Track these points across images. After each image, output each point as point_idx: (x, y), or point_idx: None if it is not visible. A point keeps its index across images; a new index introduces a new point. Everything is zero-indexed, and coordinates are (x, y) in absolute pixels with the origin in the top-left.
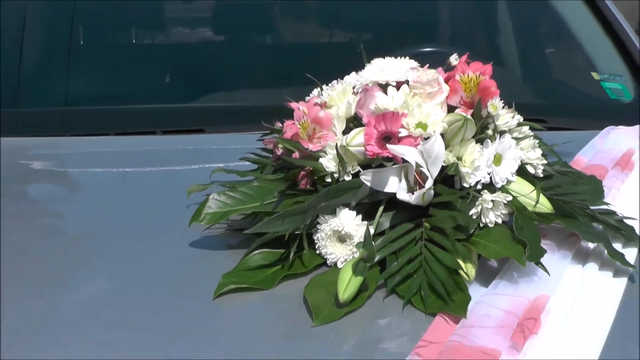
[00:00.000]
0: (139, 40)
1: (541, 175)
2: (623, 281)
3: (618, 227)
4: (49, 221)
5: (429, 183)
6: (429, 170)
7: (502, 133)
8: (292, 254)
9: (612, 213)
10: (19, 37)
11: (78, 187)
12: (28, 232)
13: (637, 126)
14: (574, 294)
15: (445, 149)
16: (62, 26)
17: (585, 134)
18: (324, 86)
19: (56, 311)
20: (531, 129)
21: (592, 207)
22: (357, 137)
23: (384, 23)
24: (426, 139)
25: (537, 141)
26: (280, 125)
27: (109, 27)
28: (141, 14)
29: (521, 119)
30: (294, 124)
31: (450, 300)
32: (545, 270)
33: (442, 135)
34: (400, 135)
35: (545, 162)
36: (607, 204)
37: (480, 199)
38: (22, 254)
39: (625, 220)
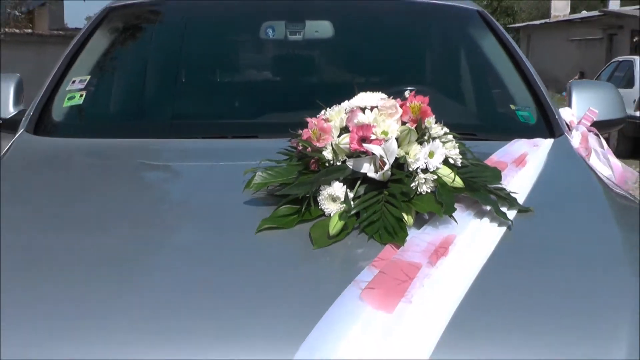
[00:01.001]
0: (221, 79)
1: (459, 164)
2: (503, 229)
3: (505, 198)
4: (167, 186)
5: (387, 167)
6: (387, 159)
7: (434, 138)
8: (304, 208)
9: (502, 189)
10: (143, 74)
11: (182, 170)
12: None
13: (535, 139)
14: (472, 235)
15: (398, 147)
16: (171, 68)
17: (502, 143)
18: (328, 109)
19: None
20: (462, 138)
21: (490, 185)
22: (345, 139)
23: (373, 71)
24: (387, 141)
25: (458, 144)
26: (300, 132)
27: (202, 70)
28: (222, 61)
29: (447, 130)
30: (308, 130)
31: (396, 235)
32: (454, 219)
33: (397, 139)
34: (371, 138)
35: (460, 157)
36: (500, 183)
37: (417, 177)
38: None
39: (511, 194)
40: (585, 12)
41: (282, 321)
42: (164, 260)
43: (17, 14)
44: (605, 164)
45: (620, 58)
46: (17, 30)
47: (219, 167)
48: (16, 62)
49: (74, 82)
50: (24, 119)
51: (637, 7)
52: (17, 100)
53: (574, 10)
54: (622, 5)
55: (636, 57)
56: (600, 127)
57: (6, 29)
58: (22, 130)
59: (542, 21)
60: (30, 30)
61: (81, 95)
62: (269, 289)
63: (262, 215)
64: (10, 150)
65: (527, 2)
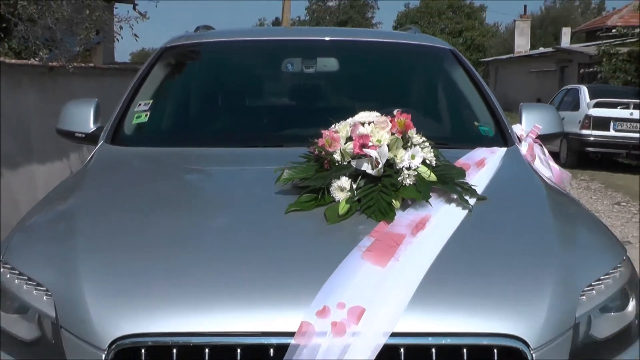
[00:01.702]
0: (250, 102)
1: (434, 164)
2: (465, 212)
3: (467, 189)
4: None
5: (381, 166)
6: (381, 160)
7: (415, 145)
8: (319, 196)
9: (466, 183)
10: (190, 98)
11: (224, 170)
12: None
13: (492, 148)
14: (442, 215)
15: (388, 151)
16: (212, 94)
17: (467, 150)
18: (336, 124)
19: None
20: (437, 146)
21: (457, 180)
22: (350, 145)
23: (369, 96)
24: (380, 147)
25: (433, 149)
26: (317, 141)
27: (236, 95)
28: (252, 88)
29: (425, 139)
30: (323, 140)
31: (387, 214)
32: (430, 204)
33: (387, 145)
34: (369, 145)
35: (434, 159)
36: (464, 179)
37: (403, 173)
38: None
39: (472, 187)
40: (542, 48)
41: (305, 273)
42: (216, 235)
43: (81, 50)
44: (546, 167)
45: (569, 86)
46: (83, 65)
47: (253, 168)
48: (82, 90)
49: (139, 105)
50: (102, 133)
51: (584, 44)
52: (95, 120)
53: (533, 47)
54: (571, 43)
55: (581, 86)
56: (543, 139)
57: (74, 64)
58: (102, 141)
59: (507, 56)
60: (92, 64)
61: (146, 115)
62: (296, 251)
63: (289, 201)
64: (95, 156)
65: (495, 40)
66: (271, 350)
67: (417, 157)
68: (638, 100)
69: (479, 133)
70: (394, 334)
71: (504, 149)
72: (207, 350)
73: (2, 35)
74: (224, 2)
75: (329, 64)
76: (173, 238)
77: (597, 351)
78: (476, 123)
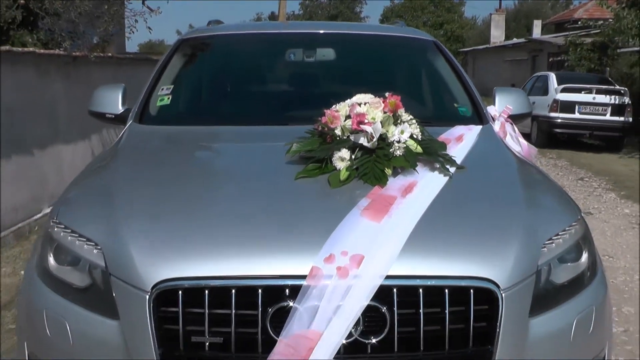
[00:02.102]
0: (258, 87)
1: (420, 139)
2: (446, 178)
3: (448, 160)
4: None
5: (375, 139)
6: (375, 135)
7: (404, 122)
8: (323, 165)
9: (446, 154)
10: (205, 83)
11: (239, 144)
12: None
13: (469, 126)
14: (427, 181)
15: (381, 127)
16: (225, 79)
17: (448, 127)
18: (337, 104)
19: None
20: (423, 124)
21: (439, 152)
22: (348, 122)
23: (363, 81)
24: (374, 123)
25: (419, 126)
26: (320, 119)
27: (246, 81)
28: (259, 75)
29: (412, 117)
30: (325, 117)
31: (380, 180)
32: (417, 171)
33: (380, 122)
34: (365, 121)
35: (420, 134)
36: (445, 150)
37: (394, 146)
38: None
39: (452, 158)
40: (516, 39)
41: (314, 227)
42: (238, 196)
43: (100, 41)
44: (516, 143)
45: (539, 73)
46: (102, 54)
47: (264, 144)
48: (101, 77)
49: (162, 89)
50: (131, 114)
51: (553, 35)
52: (123, 102)
53: (507, 38)
54: (542, 34)
55: (550, 73)
56: (514, 118)
57: (95, 54)
58: (131, 121)
59: (484, 46)
60: (110, 54)
61: (168, 98)
62: (305, 209)
63: (298, 169)
64: (126, 133)
65: (473, 32)
66: (287, 291)
67: (405, 132)
68: (600, 86)
69: (458, 113)
70: (388, 277)
71: (479, 127)
72: (233, 291)
73: (31, 28)
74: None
75: (327, 53)
76: (200, 199)
77: (555, 294)
78: (456, 104)
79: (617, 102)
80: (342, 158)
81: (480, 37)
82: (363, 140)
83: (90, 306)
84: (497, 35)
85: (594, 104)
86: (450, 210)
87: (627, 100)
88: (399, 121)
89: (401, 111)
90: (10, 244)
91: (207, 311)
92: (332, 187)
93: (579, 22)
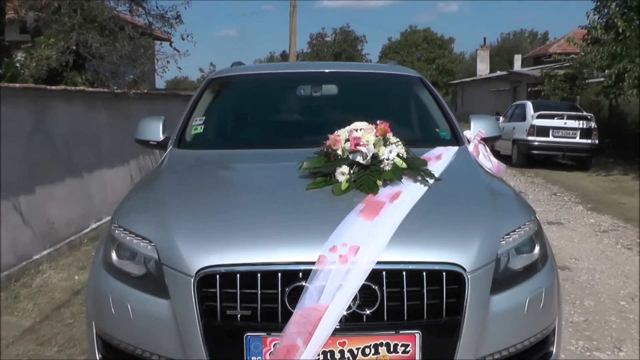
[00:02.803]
0: (274, 117)
1: (405, 157)
2: (425, 187)
3: (428, 174)
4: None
5: (368, 158)
6: (368, 154)
7: (392, 144)
8: (328, 178)
9: (427, 169)
10: (230, 115)
11: (260, 163)
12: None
13: (448, 147)
14: (410, 190)
15: (374, 148)
16: (245, 110)
17: (429, 148)
18: (339, 130)
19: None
20: (408, 145)
21: (420, 167)
22: (347, 144)
23: (360, 112)
24: (368, 145)
25: (404, 147)
26: (325, 142)
27: (264, 112)
28: (275, 107)
29: (398, 140)
30: (329, 141)
31: (373, 189)
32: (402, 182)
33: (373, 144)
34: (360, 143)
35: (405, 153)
36: (426, 166)
37: (384, 162)
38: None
39: (431, 172)
40: (499, 72)
41: (321, 224)
42: (261, 201)
43: (135, 79)
44: (488, 160)
45: (518, 102)
46: (139, 91)
47: (281, 163)
48: (137, 110)
49: (196, 120)
50: (170, 140)
51: (531, 68)
52: (164, 130)
53: (491, 70)
54: (522, 67)
55: (527, 102)
56: (486, 140)
57: (133, 90)
58: (171, 146)
59: (471, 78)
60: (145, 90)
61: (201, 127)
62: (315, 211)
63: (308, 182)
64: (168, 156)
65: (462, 65)
66: (300, 274)
67: (393, 152)
68: (570, 112)
69: (439, 136)
70: (378, 263)
71: (456, 148)
72: (258, 275)
73: (80, 69)
74: (235, 39)
75: (331, 89)
76: (231, 204)
77: (512, 277)
78: (437, 129)
79: (585, 126)
80: (343, 173)
81: (468, 70)
82: (359, 159)
83: (146, 290)
84: (483, 69)
85: (566, 128)
86: (428, 211)
87: (593, 125)
88: (388, 143)
89: (389, 135)
90: (64, 254)
91: (238, 291)
92: (335, 195)
93: (553, 57)
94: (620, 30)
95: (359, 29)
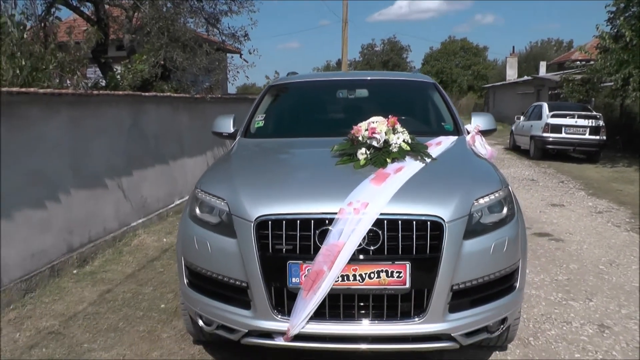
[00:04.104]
0: (317, 115)
1: (409, 142)
2: (422, 164)
3: (426, 154)
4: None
5: (381, 142)
6: (381, 140)
7: (399, 132)
8: (352, 157)
9: (426, 152)
10: (284, 113)
11: (305, 147)
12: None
13: (449, 136)
14: (411, 165)
15: (385, 135)
16: (296, 109)
17: (434, 137)
18: (361, 123)
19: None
20: (417, 134)
21: (421, 150)
22: (366, 132)
23: (385, 109)
24: (381, 133)
25: (410, 136)
26: (350, 132)
27: (308, 110)
28: (319, 107)
29: (405, 130)
30: (353, 130)
31: (383, 165)
32: (405, 160)
33: (385, 132)
34: (375, 132)
35: (410, 139)
36: (426, 149)
37: (392, 146)
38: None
39: (429, 153)
40: (526, 76)
41: (343, 189)
42: (303, 171)
43: (211, 86)
44: (483, 148)
45: (535, 103)
46: (214, 96)
47: (319, 147)
48: (213, 112)
49: (258, 117)
50: (239, 132)
51: (553, 74)
52: (234, 124)
53: (519, 75)
54: (547, 72)
55: (544, 103)
56: (483, 132)
57: (209, 95)
58: (239, 136)
59: (501, 82)
60: (219, 95)
61: (262, 122)
62: (340, 178)
63: (336, 160)
64: (236, 144)
65: (494, 71)
66: (326, 221)
67: (400, 138)
68: (581, 112)
69: (444, 129)
70: (382, 214)
71: (455, 137)
72: (298, 221)
73: (167, 80)
74: (297, 50)
75: (362, 92)
76: (280, 173)
77: (483, 228)
78: (443, 123)
79: (593, 124)
80: (362, 153)
81: (499, 75)
82: (374, 143)
83: (220, 232)
84: (511, 74)
85: (576, 126)
86: (421, 180)
87: (601, 123)
88: (396, 132)
89: (397, 126)
90: (155, 223)
91: (284, 232)
92: (355, 169)
93: (577, 62)
94: (627, 39)
95: (404, 39)
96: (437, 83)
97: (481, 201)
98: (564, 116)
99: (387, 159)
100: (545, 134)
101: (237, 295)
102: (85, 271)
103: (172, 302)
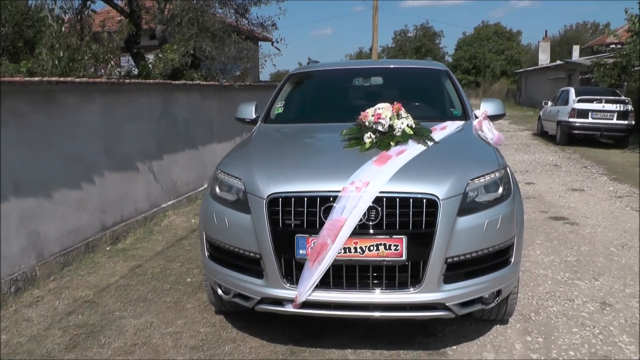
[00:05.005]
0: (335, 102)
1: (413, 127)
2: (424, 147)
3: (429, 138)
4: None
5: (386, 127)
6: (386, 124)
7: (402, 117)
8: (359, 141)
9: (429, 135)
10: (304, 100)
11: (319, 131)
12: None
13: (456, 121)
14: (414, 148)
15: (390, 120)
16: (315, 97)
17: (440, 123)
18: (368, 109)
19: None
20: (423, 119)
21: (424, 134)
22: (372, 118)
23: (396, 96)
24: (386, 118)
25: (414, 121)
26: (359, 117)
27: (328, 98)
28: (337, 94)
29: (409, 115)
30: (361, 116)
31: (387, 148)
32: (407, 144)
33: (390, 117)
34: (381, 117)
35: (414, 124)
36: (430, 134)
37: (397, 130)
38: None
39: (432, 137)
40: (559, 61)
41: (347, 169)
42: (314, 153)
43: (239, 74)
44: (490, 132)
45: (563, 88)
46: (242, 83)
47: (331, 132)
48: (241, 98)
49: (278, 103)
50: (260, 118)
51: (584, 58)
52: (256, 111)
53: (553, 60)
54: (581, 56)
55: (570, 88)
56: (492, 117)
57: (238, 83)
58: (260, 122)
59: (533, 67)
60: (248, 83)
61: (282, 108)
62: (346, 159)
63: (345, 143)
64: (257, 128)
65: (527, 56)
66: (331, 198)
67: (404, 123)
68: (608, 97)
69: (452, 114)
70: (381, 192)
71: (463, 122)
72: (305, 199)
73: (196, 68)
74: (330, 36)
75: (377, 80)
76: (293, 155)
77: (477, 206)
78: (452, 109)
79: (621, 109)
80: (368, 137)
81: (532, 60)
82: (380, 128)
83: (236, 209)
84: (544, 59)
85: (603, 110)
86: (420, 161)
87: (630, 107)
88: (400, 117)
89: (402, 112)
90: (184, 205)
91: (292, 209)
92: (361, 152)
93: (612, 46)
94: None
95: (437, 25)
96: (450, 70)
97: (477, 181)
98: (591, 101)
99: (391, 143)
100: (571, 119)
101: (251, 266)
102: (118, 248)
103: (197, 276)
